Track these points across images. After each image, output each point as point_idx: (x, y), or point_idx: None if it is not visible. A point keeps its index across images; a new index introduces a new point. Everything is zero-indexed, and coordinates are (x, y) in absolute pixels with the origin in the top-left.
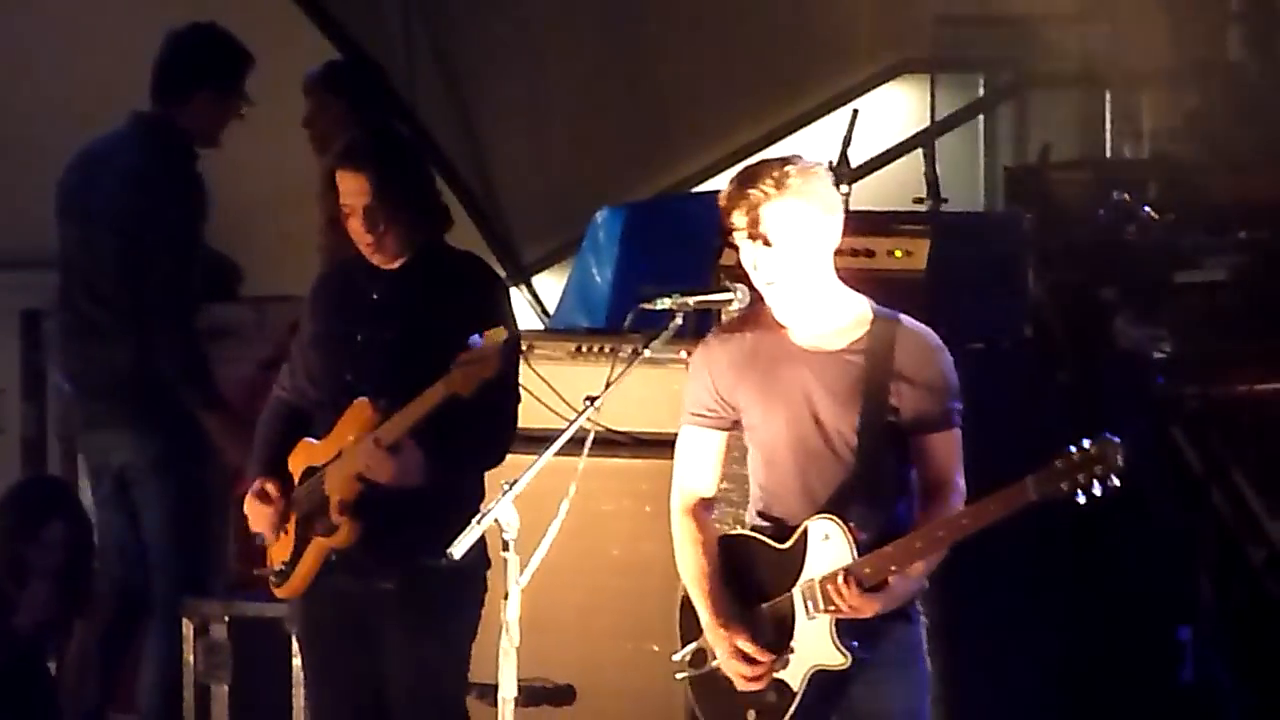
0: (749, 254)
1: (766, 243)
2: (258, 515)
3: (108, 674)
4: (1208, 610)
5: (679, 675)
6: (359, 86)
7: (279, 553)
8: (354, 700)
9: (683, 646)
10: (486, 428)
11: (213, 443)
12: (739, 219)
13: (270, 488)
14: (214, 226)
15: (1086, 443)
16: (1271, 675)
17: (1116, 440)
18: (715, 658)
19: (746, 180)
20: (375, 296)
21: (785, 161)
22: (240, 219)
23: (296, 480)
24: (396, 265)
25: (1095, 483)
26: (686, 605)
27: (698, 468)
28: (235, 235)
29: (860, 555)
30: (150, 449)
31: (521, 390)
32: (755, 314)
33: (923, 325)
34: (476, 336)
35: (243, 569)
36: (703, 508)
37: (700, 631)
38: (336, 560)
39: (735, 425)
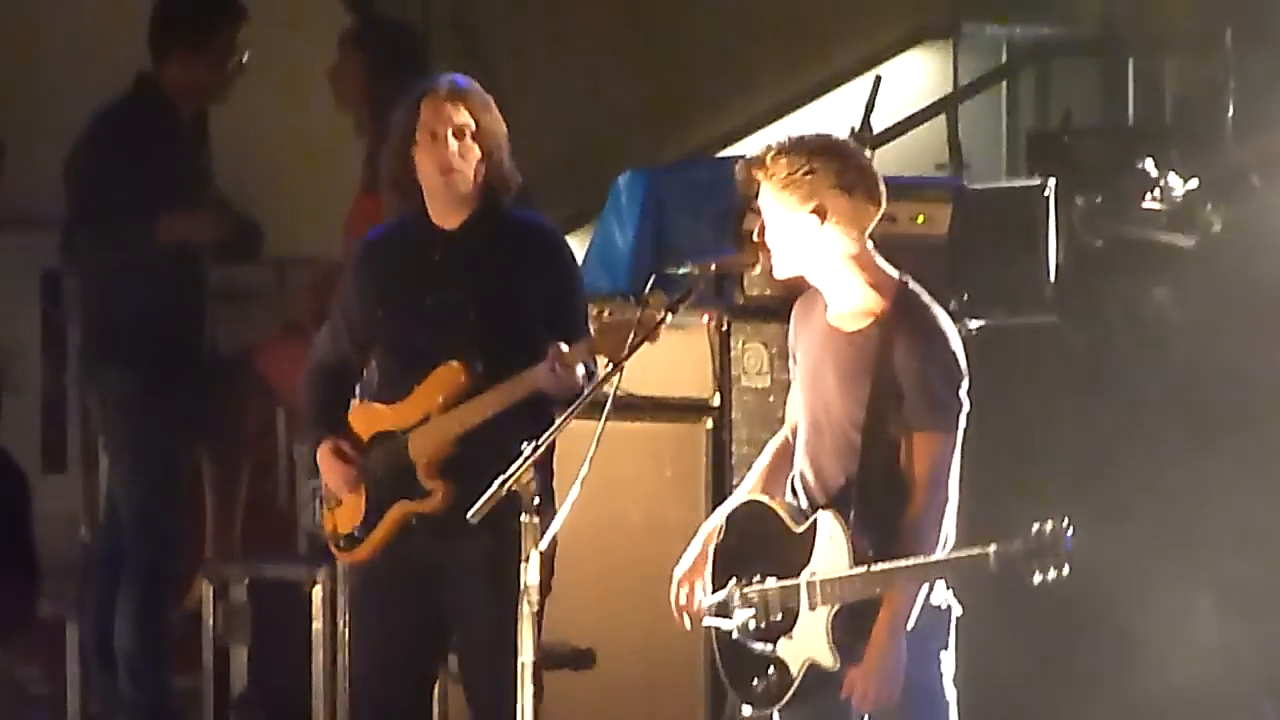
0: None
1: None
2: (337, 473)
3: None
4: None
5: (705, 621)
6: (384, 46)
7: (348, 518)
8: (412, 659)
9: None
10: None
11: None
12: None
13: (346, 446)
14: (236, 187)
15: (1041, 526)
16: None
17: (1064, 526)
18: (737, 615)
19: (757, 162)
20: (438, 258)
21: (810, 151)
22: (262, 180)
23: (365, 445)
24: (457, 225)
25: (1051, 570)
26: (718, 556)
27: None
28: (257, 196)
29: (855, 563)
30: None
31: None
32: None
33: (933, 315)
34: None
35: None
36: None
37: (726, 582)
38: (417, 524)
39: None
